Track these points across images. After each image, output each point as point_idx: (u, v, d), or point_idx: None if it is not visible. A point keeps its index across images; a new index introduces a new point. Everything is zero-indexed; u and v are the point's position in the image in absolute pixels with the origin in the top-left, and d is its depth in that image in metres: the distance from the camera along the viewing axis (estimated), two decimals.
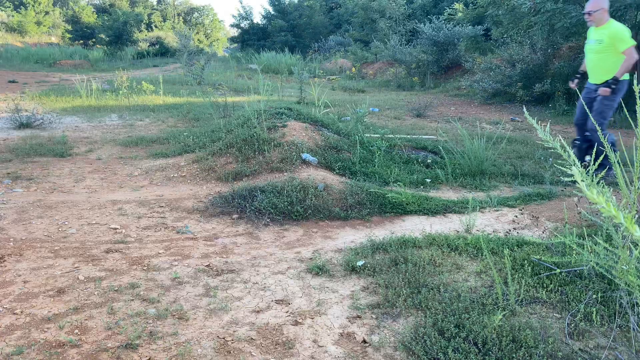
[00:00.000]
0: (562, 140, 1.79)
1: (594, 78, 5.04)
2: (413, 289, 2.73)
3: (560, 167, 1.64)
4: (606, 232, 2.69)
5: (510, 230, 3.82)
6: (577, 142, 5.13)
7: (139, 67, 21.73)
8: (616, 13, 8.72)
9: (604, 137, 4.95)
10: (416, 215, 4.28)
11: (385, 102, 11.98)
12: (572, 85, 5.32)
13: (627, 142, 6.44)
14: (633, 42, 4.71)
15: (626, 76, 4.89)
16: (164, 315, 2.53)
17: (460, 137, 5.97)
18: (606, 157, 5.20)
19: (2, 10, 38.24)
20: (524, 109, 2.03)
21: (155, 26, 37.33)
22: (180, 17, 42.98)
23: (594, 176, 5.07)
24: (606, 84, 4.84)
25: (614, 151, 5.31)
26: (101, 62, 23.35)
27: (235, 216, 4.14)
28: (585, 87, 5.25)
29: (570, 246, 1.91)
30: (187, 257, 3.29)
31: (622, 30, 4.76)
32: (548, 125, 1.67)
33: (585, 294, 2.58)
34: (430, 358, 2.15)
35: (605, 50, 4.85)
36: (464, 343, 2.19)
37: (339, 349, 2.28)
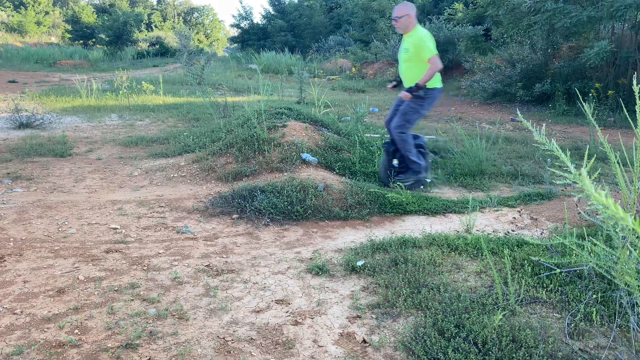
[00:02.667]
0: (555, 143, 1.79)
1: (406, 85, 4.93)
2: (413, 289, 2.73)
3: (554, 170, 1.65)
4: (606, 233, 2.69)
5: (510, 231, 3.82)
6: (385, 145, 5.01)
7: (139, 67, 21.73)
8: (616, 13, 8.72)
9: (405, 139, 4.77)
10: (416, 215, 4.28)
11: (385, 102, 11.99)
12: (389, 87, 5.30)
13: (627, 142, 6.44)
14: (436, 52, 4.61)
15: (438, 84, 4.82)
16: (164, 315, 2.53)
17: (460, 137, 5.97)
18: (414, 161, 4.87)
19: (2, 10, 38.24)
20: (518, 111, 2.03)
21: (155, 26, 37.35)
22: (180, 17, 42.99)
23: (400, 182, 4.94)
24: (409, 89, 4.73)
25: (422, 154, 5.03)
26: (101, 62, 23.36)
27: (235, 216, 4.14)
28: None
29: (570, 247, 1.91)
30: (187, 257, 3.30)
31: (425, 39, 4.64)
32: (544, 127, 1.67)
33: (585, 294, 2.58)
34: (430, 358, 2.15)
35: (411, 59, 4.76)
36: (464, 343, 2.19)
37: (339, 349, 2.28)
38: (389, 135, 5.09)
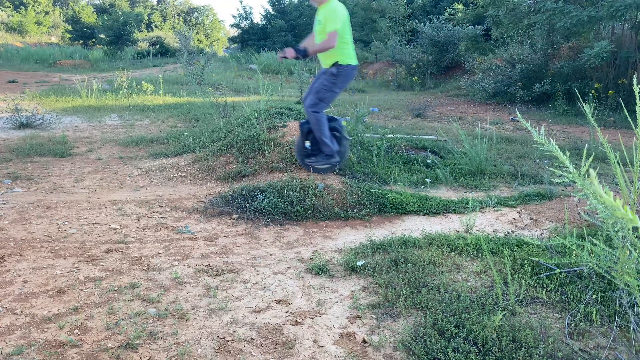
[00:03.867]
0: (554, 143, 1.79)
1: (321, 60, 4.66)
2: (413, 289, 2.73)
3: (554, 170, 1.65)
4: (606, 233, 2.69)
5: (510, 231, 3.82)
6: (301, 125, 4.77)
7: (139, 67, 21.73)
8: (616, 13, 8.72)
9: (319, 118, 4.58)
10: (416, 215, 4.28)
11: (385, 102, 11.99)
12: (279, 57, 4.76)
13: (627, 142, 6.44)
14: (337, 28, 4.29)
15: (352, 60, 4.54)
16: (164, 315, 2.53)
17: (460, 137, 5.97)
18: (326, 144, 4.67)
19: (2, 10, 38.25)
20: (517, 111, 2.03)
21: (155, 26, 37.36)
22: (180, 17, 42.99)
23: (311, 164, 4.73)
24: (296, 50, 4.43)
25: (337, 138, 4.79)
26: (101, 62, 23.35)
27: (235, 216, 4.14)
28: None
29: (569, 247, 1.91)
30: (187, 257, 3.30)
31: (336, 12, 4.33)
32: (543, 127, 1.67)
33: (585, 294, 2.58)
34: (430, 358, 2.15)
35: (323, 31, 4.42)
36: (464, 343, 2.19)
37: (339, 349, 2.28)
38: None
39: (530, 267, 2.88)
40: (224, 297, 2.75)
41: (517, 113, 1.98)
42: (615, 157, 2.15)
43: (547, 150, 1.64)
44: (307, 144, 4.76)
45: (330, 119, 4.81)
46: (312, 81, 4.91)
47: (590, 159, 1.71)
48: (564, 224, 3.33)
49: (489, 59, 13.48)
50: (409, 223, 4.09)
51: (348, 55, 4.54)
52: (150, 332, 2.37)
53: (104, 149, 6.54)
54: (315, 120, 4.63)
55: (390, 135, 6.55)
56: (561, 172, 1.55)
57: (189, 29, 27.95)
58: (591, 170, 1.18)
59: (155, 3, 46.48)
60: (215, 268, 3.13)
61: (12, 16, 37.59)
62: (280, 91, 12.13)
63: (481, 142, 5.55)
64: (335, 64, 4.51)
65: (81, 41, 34.85)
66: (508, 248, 3.19)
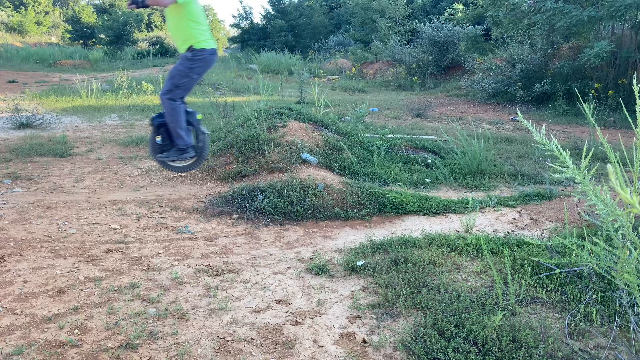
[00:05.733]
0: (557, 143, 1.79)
1: (177, 45, 4.43)
2: (413, 289, 2.73)
3: (556, 166, 1.64)
4: (606, 233, 2.69)
5: (510, 231, 3.82)
6: (152, 119, 4.46)
7: (139, 67, 21.72)
8: (616, 13, 8.72)
9: (174, 107, 4.23)
10: (416, 215, 4.28)
11: (385, 102, 11.99)
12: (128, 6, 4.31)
13: (627, 142, 6.44)
14: None
15: (208, 44, 4.31)
16: (164, 315, 2.53)
17: (459, 138, 5.97)
18: (181, 136, 4.29)
19: (2, 10, 38.24)
20: (518, 111, 2.03)
21: (155, 26, 37.35)
22: None
23: (162, 159, 4.45)
24: (132, 1, 4.01)
25: (196, 133, 4.39)
26: (101, 62, 23.34)
27: (235, 216, 4.14)
28: None
29: (569, 247, 1.91)
30: (187, 257, 3.29)
31: None
32: (544, 127, 1.67)
33: (585, 294, 2.58)
34: (430, 358, 2.15)
35: (170, 11, 4.16)
36: (464, 343, 2.19)
37: (339, 348, 2.28)
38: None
39: (530, 267, 2.88)
40: (224, 297, 2.75)
41: (518, 112, 1.98)
42: (615, 157, 2.15)
43: (548, 150, 1.64)
44: (158, 139, 4.48)
45: (186, 112, 4.54)
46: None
47: (590, 153, 1.71)
48: (564, 223, 3.33)
49: (489, 59, 13.47)
50: (409, 223, 4.09)
51: (202, 38, 4.29)
52: (150, 332, 2.37)
53: (104, 149, 6.53)
54: (170, 108, 4.31)
55: (390, 135, 6.55)
56: (561, 169, 1.55)
57: None
58: (609, 166, 1.18)
59: None
60: (215, 268, 3.13)
61: (12, 16, 37.59)
62: (280, 91, 12.13)
63: (479, 142, 5.55)
64: (190, 48, 4.24)
65: (81, 41, 34.83)
66: (508, 248, 3.19)
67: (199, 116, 4.69)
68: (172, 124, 4.44)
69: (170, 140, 4.50)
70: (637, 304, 2.31)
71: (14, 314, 2.51)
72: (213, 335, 2.37)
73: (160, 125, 4.45)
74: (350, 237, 3.77)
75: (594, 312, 2.41)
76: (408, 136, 7.02)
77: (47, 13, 40.85)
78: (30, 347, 2.21)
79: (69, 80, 14.87)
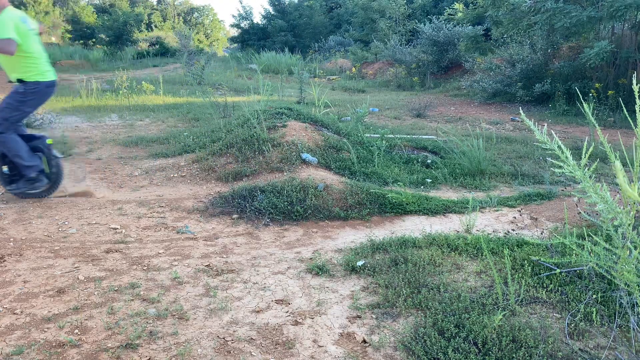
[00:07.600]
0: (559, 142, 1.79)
1: (7, 75, 4.28)
2: (413, 289, 2.73)
3: (557, 163, 1.65)
4: (606, 233, 2.69)
5: (510, 231, 3.82)
6: None
7: (139, 67, 21.71)
8: (616, 13, 8.72)
9: (5, 140, 4.01)
10: (416, 215, 4.28)
11: (385, 102, 11.99)
12: None
13: (627, 142, 6.45)
14: (7, 36, 3.89)
15: (40, 77, 4.18)
16: (164, 315, 2.53)
17: (457, 139, 5.97)
18: (26, 166, 4.11)
19: None
20: (520, 110, 2.03)
21: (155, 26, 37.35)
22: (180, 17, 43.00)
23: (12, 191, 4.04)
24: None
25: (47, 159, 4.23)
26: (101, 62, 23.34)
27: (235, 216, 4.14)
28: None
29: (570, 246, 1.91)
30: (187, 257, 3.29)
31: (3, 21, 3.91)
32: (545, 127, 1.67)
33: (585, 294, 2.58)
34: (430, 358, 2.15)
35: None
36: (464, 343, 2.19)
37: (339, 349, 2.28)
38: None
39: (530, 267, 2.88)
40: (224, 297, 2.75)
41: (521, 112, 1.98)
42: (615, 157, 2.15)
43: (549, 149, 1.64)
44: (5, 168, 4.25)
45: (31, 138, 4.35)
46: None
47: (590, 151, 1.71)
48: (564, 223, 3.33)
49: (489, 59, 13.48)
50: (409, 223, 4.09)
51: (35, 71, 4.16)
52: (150, 332, 2.37)
53: (104, 149, 6.53)
54: (2, 142, 4.12)
55: (390, 135, 6.55)
56: (562, 165, 1.55)
57: (189, 29, 27.99)
58: (617, 162, 1.18)
59: (155, 3, 46.47)
60: (215, 268, 3.13)
61: None
62: (280, 91, 12.12)
63: (478, 142, 5.55)
64: (21, 81, 4.10)
65: (81, 41, 34.83)
66: (508, 248, 3.19)
67: (48, 141, 4.45)
68: (12, 157, 4.19)
69: (18, 169, 4.25)
70: (637, 303, 2.31)
71: (14, 314, 2.51)
72: (213, 335, 2.37)
73: (4, 155, 4.21)
74: (350, 237, 3.77)
75: (594, 312, 2.41)
76: (408, 136, 7.02)
77: (47, 13, 40.85)
78: (30, 347, 2.21)
79: (69, 80, 14.87)
